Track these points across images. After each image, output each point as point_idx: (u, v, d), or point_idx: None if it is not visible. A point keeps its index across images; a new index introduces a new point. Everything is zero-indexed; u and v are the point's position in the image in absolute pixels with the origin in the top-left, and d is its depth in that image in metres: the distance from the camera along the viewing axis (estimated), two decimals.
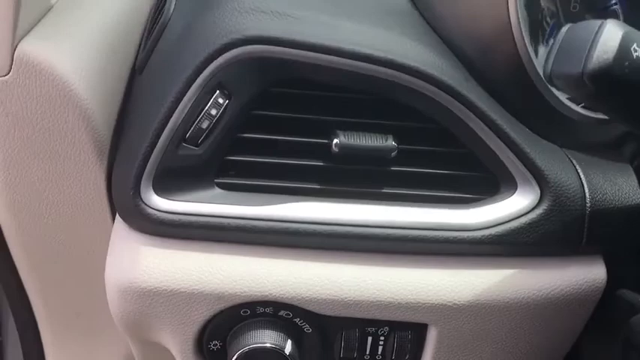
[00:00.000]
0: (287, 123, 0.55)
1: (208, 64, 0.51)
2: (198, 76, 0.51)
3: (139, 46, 0.64)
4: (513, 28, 0.54)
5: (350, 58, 0.52)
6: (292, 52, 0.52)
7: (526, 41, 0.55)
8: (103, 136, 0.56)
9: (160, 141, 0.52)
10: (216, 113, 0.52)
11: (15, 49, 0.51)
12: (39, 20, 0.54)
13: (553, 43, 0.46)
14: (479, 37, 0.57)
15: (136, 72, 0.62)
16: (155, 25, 0.60)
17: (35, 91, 0.52)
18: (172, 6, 0.60)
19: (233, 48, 0.51)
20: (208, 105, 0.52)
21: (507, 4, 0.54)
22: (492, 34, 0.56)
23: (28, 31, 0.52)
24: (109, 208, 0.59)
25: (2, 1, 0.49)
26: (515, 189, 0.56)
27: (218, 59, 0.51)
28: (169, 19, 0.59)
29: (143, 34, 0.65)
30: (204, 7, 0.56)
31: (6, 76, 0.51)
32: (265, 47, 0.52)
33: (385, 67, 0.53)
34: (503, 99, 0.57)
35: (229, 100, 0.53)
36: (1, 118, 0.53)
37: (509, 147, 0.55)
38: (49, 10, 0.56)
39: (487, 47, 0.57)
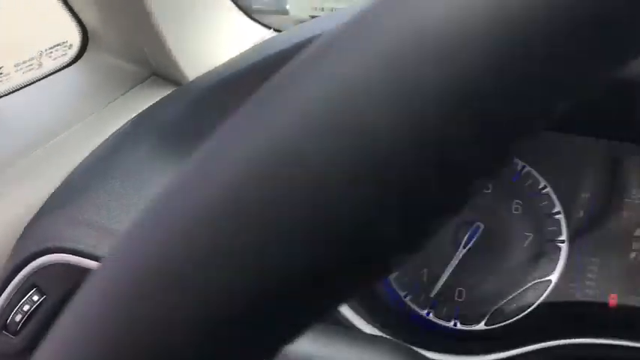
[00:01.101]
0: None
1: (24, 267, 0.57)
2: (15, 276, 0.58)
3: None
4: None
5: None
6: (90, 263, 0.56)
7: None
8: None
9: None
10: (29, 309, 0.58)
11: None
12: None
13: None
14: None
15: None
16: None
17: None
18: None
19: (44, 255, 0.57)
20: (22, 301, 0.58)
21: None
22: None
23: None
24: None
25: None
26: None
27: (32, 263, 0.57)
28: None
29: None
30: (53, 203, 0.62)
31: None
32: (68, 256, 0.56)
33: None
34: None
35: (45, 297, 0.58)
36: None
37: None
38: None
39: None
